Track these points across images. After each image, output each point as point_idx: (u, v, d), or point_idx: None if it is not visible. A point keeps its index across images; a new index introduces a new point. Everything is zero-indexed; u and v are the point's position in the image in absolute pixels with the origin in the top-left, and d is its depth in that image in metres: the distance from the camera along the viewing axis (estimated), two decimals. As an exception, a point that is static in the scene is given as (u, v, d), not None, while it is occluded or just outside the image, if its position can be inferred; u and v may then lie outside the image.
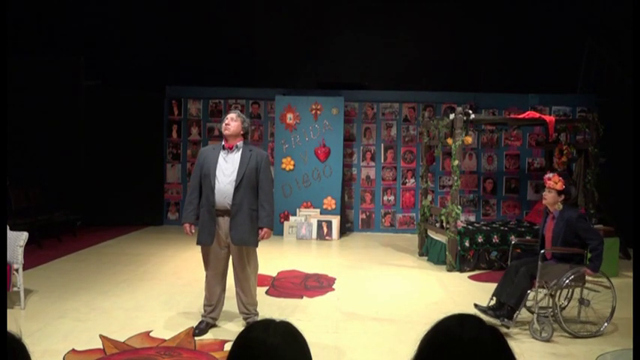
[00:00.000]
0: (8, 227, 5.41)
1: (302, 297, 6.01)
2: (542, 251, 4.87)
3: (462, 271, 7.41)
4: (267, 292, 6.08)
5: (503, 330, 4.76)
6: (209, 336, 4.63)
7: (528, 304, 4.94)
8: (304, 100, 10.50)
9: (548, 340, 4.64)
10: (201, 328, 4.68)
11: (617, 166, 9.11)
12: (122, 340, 4.43)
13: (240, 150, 4.66)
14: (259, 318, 4.39)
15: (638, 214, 5.53)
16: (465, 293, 6.24)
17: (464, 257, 7.51)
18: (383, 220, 11.08)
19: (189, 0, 10.63)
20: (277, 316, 1.46)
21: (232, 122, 4.65)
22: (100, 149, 10.44)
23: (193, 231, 4.73)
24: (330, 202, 10.38)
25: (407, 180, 11.08)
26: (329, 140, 10.44)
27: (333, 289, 6.36)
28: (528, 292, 4.79)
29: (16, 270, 5.23)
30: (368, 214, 11.12)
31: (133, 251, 8.30)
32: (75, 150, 10.23)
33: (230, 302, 4.92)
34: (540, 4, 10.36)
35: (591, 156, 7.89)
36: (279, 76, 11.08)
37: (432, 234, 8.28)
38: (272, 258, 7.69)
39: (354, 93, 11.09)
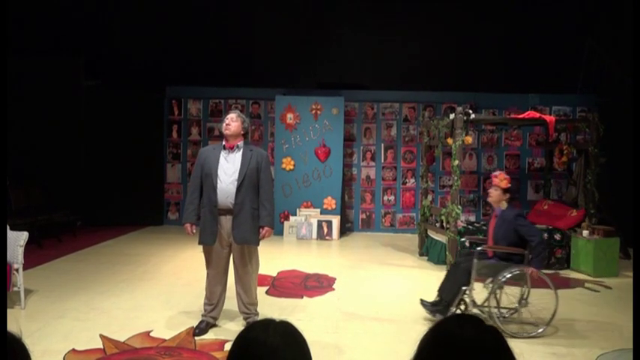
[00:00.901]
0: (8, 227, 5.42)
1: (302, 297, 6.01)
2: (478, 248, 4.90)
3: (462, 271, 7.40)
4: (267, 292, 6.08)
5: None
6: (209, 336, 4.63)
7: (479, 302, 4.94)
8: (304, 100, 10.51)
9: None
10: (202, 328, 4.69)
11: (617, 166, 9.11)
12: (122, 340, 4.43)
13: (241, 150, 4.68)
14: (259, 318, 4.40)
15: (638, 214, 5.53)
16: (465, 293, 6.24)
17: (464, 257, 7.51)
18: (383, 220, 11.08)
19: (189, 0, 10.62)
20: (277, 315, 1.46)
21: (233, 122, 4.66)
22: (100, 149, 10.44)
23: (195, 231, 4.74)
24: (330, 202, 10.38)
25: (407, 180, 11.08)
26: (329, 140, 10.44)
27: (333, 289, 6.36)
28: (464, 288, 4.81)
29: (17, 270, 5.23)
30: (368, 214, 11.12)
31: (132, 251, 8.30)
32: (75, 150, 10.23)
33: (231, 302, 4.92)
34: (540, 4, 10.35)
35: (591, 156, 7.90)
36: (279, 76, 11.07)
37: (432, 234, 8.27)
38: (272, 258, 7.69)
39: (354, 93, 11.10)
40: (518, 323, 4.85)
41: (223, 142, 4.71)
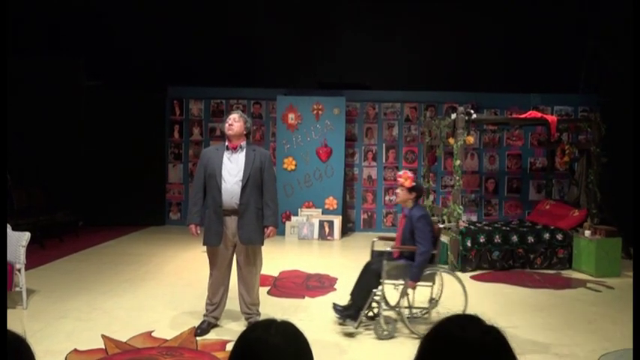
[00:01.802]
0: (11, 227, 5.43)
1: (304, 297, 6.01)
2: (387, 249, 4.86)
3: (463, 271, 7.38)
4: (268, 292, 6.08)
5: (349, 330, 4.72)
6: (211, 336, 4.64)
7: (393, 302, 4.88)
8: (306, 100, 10.50)
9: (387, 339, 4.57)
10: (203, 328, 4.69)
11: (619, 166, 9.10)
12: (124, 340, 4.43)
13: (244, 150, 4.68)
14: (261, 318, 4.40)
15: (639, 214, 5.52)
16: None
17: (466, 257, 7.50)
18: (384, 220, 11.08)
19: (190, 0, 10.63)
20: (279, 316, 1.45)
21: (235, 123, 4.66)
22: (101, 149, 10.44)
23: (199, 232, 4.74)
24: (331, 202, 10.37)
25: (408, 180, 11.04)
26: (331, 140, 10.43)
27: (335, 290, 6.36)
28: (374, 291, 4.69)
29: (19, 270, 5.24)
30: (369, 214, 11.11)
31: (134, 251, 8.30)
32: (76, 150, 10.24)
33: (232, 302, 4.92)
34: (542, 4, 10.34)
35: (593, 156, 7.89)
36: (280, 77, 11.07)
37: (433, 234, 8.25)
38: (274, 258, 7.68)
39: (355, 93, 11.09)
40: (429, 323, 4.80)
41: (226, 143, 4.72)
